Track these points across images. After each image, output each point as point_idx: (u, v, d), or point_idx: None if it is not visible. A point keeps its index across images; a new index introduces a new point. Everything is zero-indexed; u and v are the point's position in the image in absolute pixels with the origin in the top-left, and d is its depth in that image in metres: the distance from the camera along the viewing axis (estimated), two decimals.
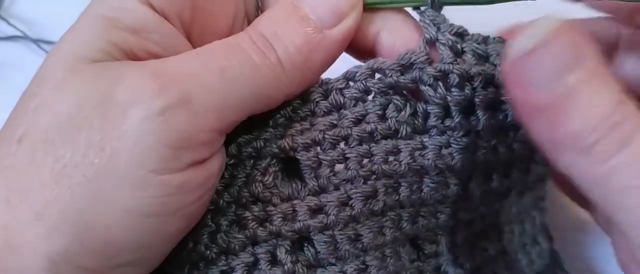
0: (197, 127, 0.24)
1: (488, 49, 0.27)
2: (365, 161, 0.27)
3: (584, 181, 0.22)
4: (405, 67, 0.27)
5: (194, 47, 0.27)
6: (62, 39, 0.25)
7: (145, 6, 0.25)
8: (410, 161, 0.27)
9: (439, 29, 0.27)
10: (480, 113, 0.27)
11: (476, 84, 0.26)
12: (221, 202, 0.27)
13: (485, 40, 0.27)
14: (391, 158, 0.27)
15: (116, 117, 0.23)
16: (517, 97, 0.23)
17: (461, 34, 0.27)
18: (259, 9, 0.29)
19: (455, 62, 0.26)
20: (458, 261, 0.31)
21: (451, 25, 0.27)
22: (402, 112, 0.27)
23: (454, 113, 0.27)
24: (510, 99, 0.23)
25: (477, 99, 0.26)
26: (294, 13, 0.26)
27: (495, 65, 0.26)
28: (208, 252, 0.26)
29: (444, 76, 0.27)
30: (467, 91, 0.26)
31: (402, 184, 0.28)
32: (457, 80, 0.26)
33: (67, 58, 0.24)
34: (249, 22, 0.29)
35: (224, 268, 0.27)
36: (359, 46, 0.29)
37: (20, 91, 0.25)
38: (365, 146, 0.27)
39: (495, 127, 0.27)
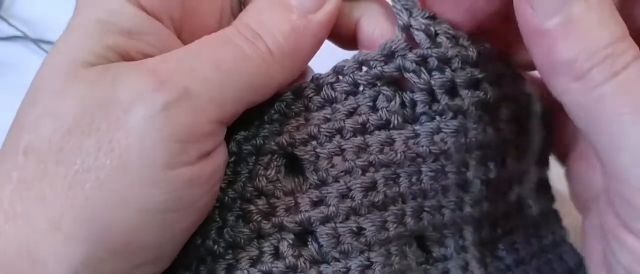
0: (200, 119, 0.24)
1: (457, 32, 0.27)
2: (361, 152, 0.28)
3: (575, 108, 0.23)
4: (387, 56, 0.28)
5: (185, 44, 0.27)
6: (56, 46, 0.25)
7: (137, 8, 0.25)
8: (405, 149, 0.28)
9: (411, 14, 0.27)
10: (463, 93, 0.27)
11: (454, 65, 0.27)
12: (226, 198, 0.27)
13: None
14: (386, 148, 0.28)
15: (120, 117, 0.23)
16: (521, 18, 0.24)
17: (432, 17, 0.27)
18: (242, 3, 0.30)
19: (432, 46, 0.27)
20: (484, 261, 0.31)
21: (422, 9, 0.27)
22: (392, 102, 0.28)
23: (439, 97, 0.27)
24: (517, 15, 0.24)
25: (458, 80, 0.27)
26: (277, 2, 0.27)
27: (466, 46, 0.27)
28: (216, 247, 0.27)
29: (423, 60, 0.27)
30: (447, 73, 0.27)
31: (401, 174, 0.28)
32: (436, 63, 0.27)
33: (64, 64, 0.24)
34: (235, 17, 0.29)
35: (231, 261, 0.27)
36: (341, 34, 0.29)
37: (20, 91, 0.25)
38: (359, 138, 0.28)
39: (480, 106, 0.28)
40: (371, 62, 0.28)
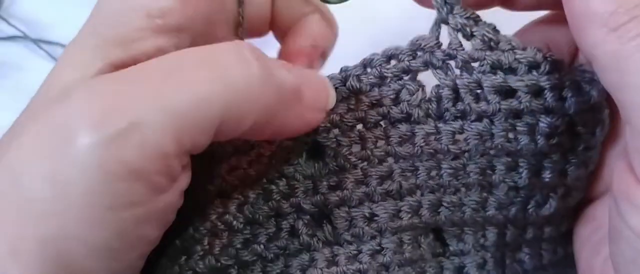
0: (151, 154, 0.21)
1: (499, 37, 0.27)
2: (381, 142, 0.28)
3: (606, 61, 0.23)
4: (416, 51, 0.28)
5: None
6: (62, 64, 0.24)
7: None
8: (424, 144, 0.28)
9: (451, 10, 0.27)
10: (490, 98, 0.27)
11: (483, 68, 0.27)
12: (250, 176, 0.28)
13: (495, 29, 0.28)
14: (406, 141, 0.28)
15: (65, 144, 0.21)
16: None
17: (474, 17, 0.27)
18: (241, 16, 0.30)
19: (460, 47, 0.27)
20: (503, 261, 0.31)
21: (465, 8, 0.27)
22: (414, 96, 0.28)
23: (464, 97, 0.28)
24: None
25: (485, 84, 0.27)
26: (288, 73, 0.25)
27: (503, 52, 0.27)
28: (235, 221, 0.27)
29: (450, 58, 0.28)
30: (475, 75, 0.27)
31: (419, 167, 0.29)
32: (461, 63, 0.27)
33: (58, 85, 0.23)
34: (235, 30, 0.30)
35: (248, 236, 0.28)
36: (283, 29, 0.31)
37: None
38: (380, 129, 0.29)
39: (510, 114, 0.27)
40: (400, 56, 0.28)
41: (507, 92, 0.27)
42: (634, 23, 0.22)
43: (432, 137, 0.28)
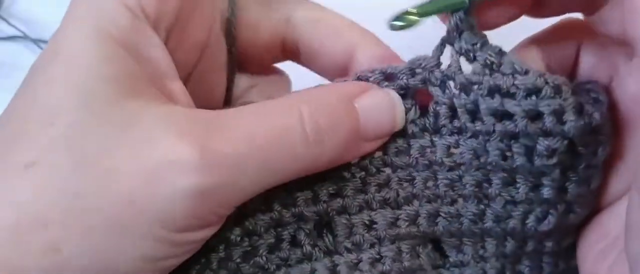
0: (225, 206, 0.24)
1: (503, 59, 0.27)
2: (378, 153, 0.29)
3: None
4: (414, 71, 0.28)
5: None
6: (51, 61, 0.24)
7: (135, 16, 0.24)
8: (419, 155, 0.29)
9: (460, 34, 0.28)
10: (486, 119, 0.27)
11: (481, 91, 0.27)
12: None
13: (501, 52, 0.28)
14: (402, 152, 0.29)
15: (151, 176, 0.22)
16: None
17: (481, 43, 0.28)
18: (231, 23, 0.30)
19: (459, 71, 0.28)
20: (502, 273, 0.31)
21: (474, 33, 0.28)
22: (410, 113, 0.29)
23: (460, 116, 0.28)
24: None
25: (482, 107, 0.27)
26: (351, 115, 0.27)
27: (503, 75, 0.27)
28: (233, 237, 0.28)
29: (448, 79, 0.28)
30: (472, 96, 0.27)
31: (416, 177, 0.29)
32: (459, 86, 0.27)
33: (80, 85, 0.23)
34: (225, 34, 0.30)
35: (248, 248, 0.28)
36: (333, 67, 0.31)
37: None
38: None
39: (506, 135, 0.27)
40: (398, 74, 0.28)
41: (503, 115, 0.27)
42: None
43: (428, 150, 0.29)
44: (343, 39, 0.31)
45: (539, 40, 0.30)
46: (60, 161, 0.22)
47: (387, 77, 0.29)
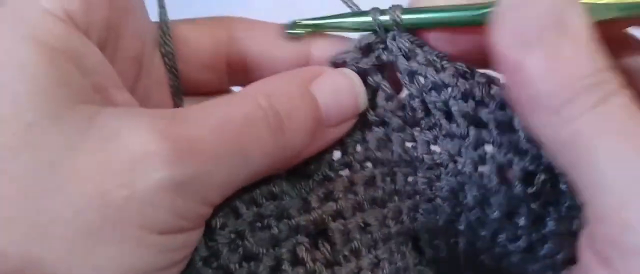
0: (203, 201, 0.24)
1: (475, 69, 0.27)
2: (359, 147, 0.29)
3: (552, 144, 0.23)
4: (362, 50, 0.28)
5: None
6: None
7: (67, 24, 0.23)
8: (401, 151, 0.28)
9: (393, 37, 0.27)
10: (459, 121, 0.27)
11: (454, 94, 0.27)
12: (240, 205, 0.27)
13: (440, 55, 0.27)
14: (383, 146, 0.29)
15: (122, 172, 0.21)
16: (496, 51, 0.23)
17: (419, 44, 0.27)
18: (165, 34, 0.29)
19: (429, 65, 0.27)
20: (474, 263, 0.31)
21: (414, 38, 0.28)
22: (390, 102, 0.28)
23: (433, 112, 0.28)
24: (492, 49, 0.23)
25: (453, 109, 0.27)
26: (308, 100, 0.26)
27: (478, 84, 0.26)
28: (231, 264, 0.26)
29: (412, 74, 0.28)
30: (443, 95, 0.27)
31: (397, 173, 0.29)
32: (430, 85, 0.27)
33: (28, 90, 0.22)
34: (160, 43, 0.29)
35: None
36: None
37: None
38: (358, 132, 0.29)
39: (475, 142, 0.27)
40: (373, 46, 0.28)
41: (478, 122, 0.27)
42: (572, 106, 0.21)
43: (409, 144, 0.29)
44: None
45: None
46: (15, 170, 0.21)
47: (363, 51, 0.28)
